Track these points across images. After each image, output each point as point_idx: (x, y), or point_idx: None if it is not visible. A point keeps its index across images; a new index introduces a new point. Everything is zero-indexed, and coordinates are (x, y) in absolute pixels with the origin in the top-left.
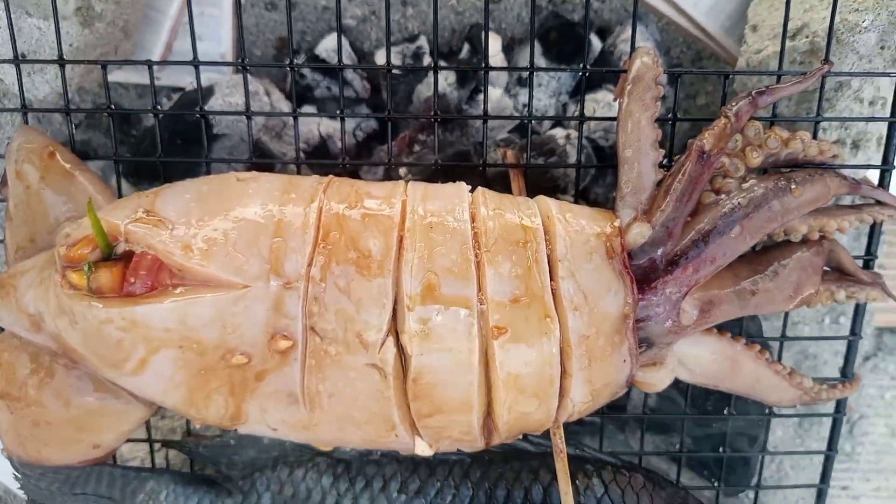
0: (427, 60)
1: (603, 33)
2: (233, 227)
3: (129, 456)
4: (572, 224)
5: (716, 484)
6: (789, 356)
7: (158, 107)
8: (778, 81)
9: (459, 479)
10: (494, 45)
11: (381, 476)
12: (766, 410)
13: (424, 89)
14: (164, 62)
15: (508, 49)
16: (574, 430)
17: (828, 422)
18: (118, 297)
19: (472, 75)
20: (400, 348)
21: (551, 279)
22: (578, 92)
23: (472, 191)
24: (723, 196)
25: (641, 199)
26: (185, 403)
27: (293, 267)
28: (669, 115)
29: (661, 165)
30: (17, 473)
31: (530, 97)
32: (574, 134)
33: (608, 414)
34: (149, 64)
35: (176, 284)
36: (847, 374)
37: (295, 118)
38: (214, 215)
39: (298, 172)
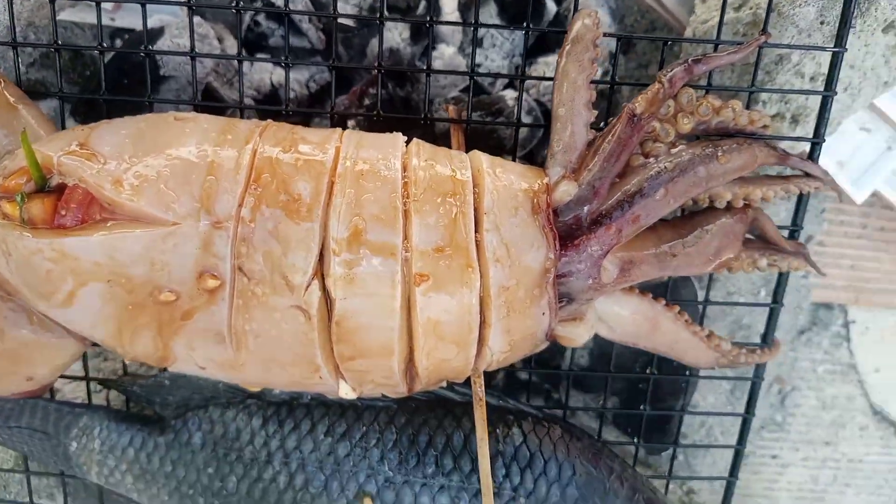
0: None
1: None
2: (166, 165)
3: (72, 396)
4: (501, 179)
5: (635, 440)
6: (724, 325)
7: (104, 45)
8: (715, 50)
9: (384, 424)
10: (451, 3)
11: (309, 419)
12: (687, 372)
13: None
14: None
15: (466, 7)
16: (516, 386)
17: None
18: (49, 229)
19: (426, 31)
20: (325, 292)
21: (476, 231)
22: (532, 54)
23: (408, 142)
24: (651, 159)
25: (571, 158)
26: (113, 338)
27: (223, 207)
28: (608, 78)
29: (595, 127)
30: None
31: (473, 53)
32: (525, 98)
33: (536, 369)
34: (96, 1)
35: (107, 219)
36: (767, 340)
37: (240, 62)
38: (149, 152)
39: (242, 117)
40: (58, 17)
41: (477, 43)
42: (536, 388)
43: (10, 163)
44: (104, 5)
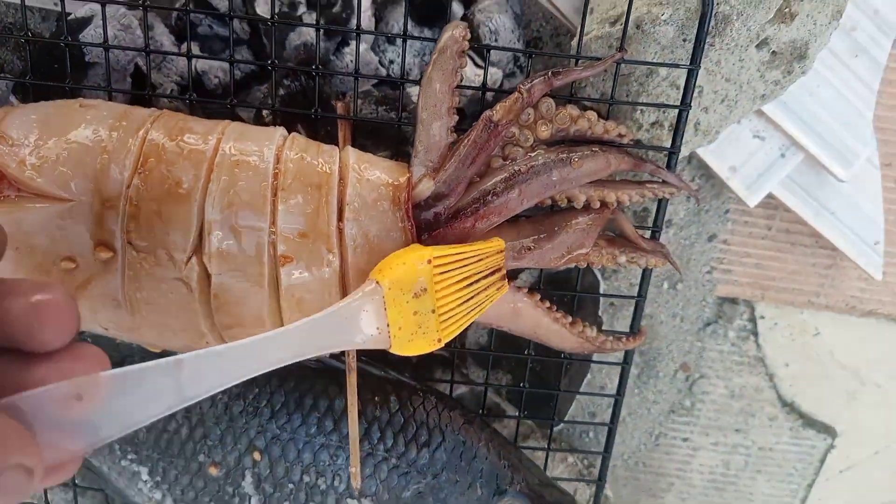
0: (301, 10)
1: (467, 1)
2: (65, 148)
3: None
4: (365, 174)
5: (517, 414)
6: (628, 314)
7: (30, 35)
8: (576, 64)
9: (275, 387)
10: (365, 2)
11: None
12: (562, 355)
13: (295, 37)
14: None
15: (382, 7)
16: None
17: (665, 377)
18: None
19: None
20: (203, 266)
21: (339, 220)
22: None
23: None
24: (509, 162)
25: (433, 157)
26: None
27: (114, 187)
28: (480, 85)
29: (458, 130)
30: None
31: (357, 54)
32: None
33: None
34: None
35: (15, 195)
36: (634, 328)
37: (147, 53)
38: (52, 136)
39: (154, 104)
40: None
41: (389, 41)
42: (448, 363)
43: None
44: None
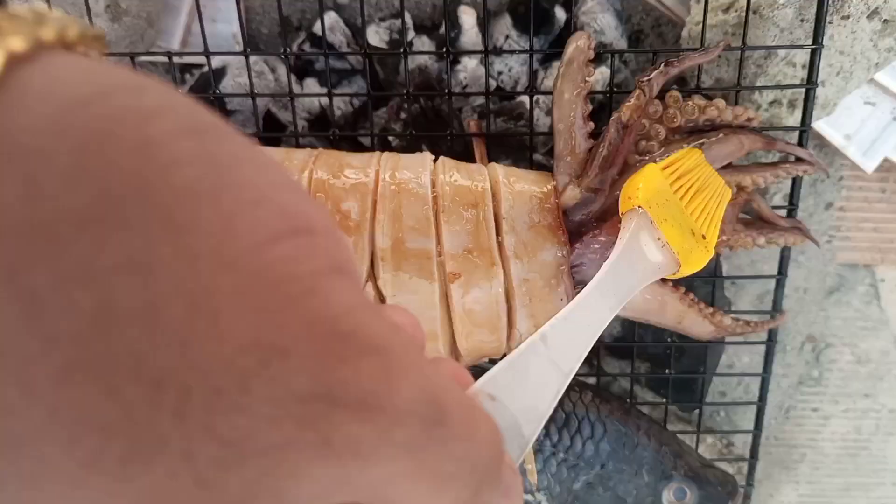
0: (411, 35)
1: (568, 4)
2: None
3: None
4: (515, 188)
5: (664, 401)
6: (752, 291)
7: (179, 89)
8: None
9: None
10: (469, 19)
11: None
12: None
13: (409, 62)
14: (180, 52)
15: (484, 21)
16: None
17: (793, 350)
18: None
19: (450, 49)
20: (378, 290)
21: (497, 234)
22: (548, 59)
23: (435, 160)
24: (646, 157)
25: (574, 165)
26: None
27: None
28: (607, 89)
29: (594, 134)
30: None
31: (486, 75)
32: (542, 99)
33: None
34: (168, 55)
35: None
36: (777, 308)
37: (292, 98)
38: None
39: (297, 143)
40: (136, 60)
41: (496, 53)
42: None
43: None
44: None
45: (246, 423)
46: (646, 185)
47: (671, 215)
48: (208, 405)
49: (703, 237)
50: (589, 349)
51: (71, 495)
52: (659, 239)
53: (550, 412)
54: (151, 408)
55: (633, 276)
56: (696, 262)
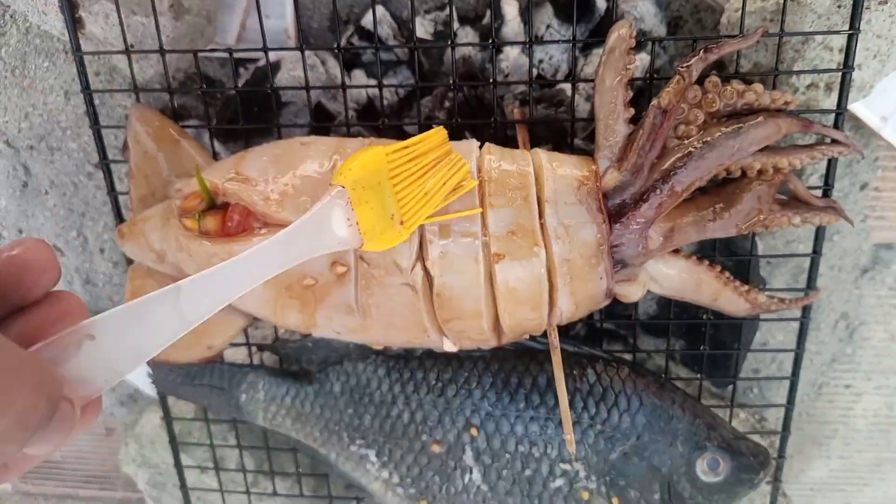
0: (456, 26)
1: None
2: (299, 182)
3: (233, 358)
4: (558, 171)
5: (699, 376)
6: (787, 270)
7: (239, 82)
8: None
9: (482, 370)
10: (512, 10)
11: (422, 368)
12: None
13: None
14: (238, 49)
15: (527, 11)
16: (597, 334)
17: (826, 328)
18: (220, 237)
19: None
20: (426, 271)
21: (540, 216)
22: (588, 47)
23: (481, 146)
24: (685, 141)
25: (615, 149)
26: (272, 314)
27: None
28: (647, 75)
29: (633, 120)
30: (150, 371)
31: (530, 66)
32: (582, 86)
33: (607, 320)
34: (228, 51)
35: (261, 226)
36: (811, 285)
37: (344, 90)
38: (285, 173)
39: (348, 132)
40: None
41: (539, 43)
42: (614, 335)
43: (185, 188)
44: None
45: None
46: (360, 167)
47: (374, 198)
48: None
49: (402, 223)
50: (228, 303)
51: None
52: (349, 218)
53: (156, 352)
54: None
55: (311, 243)
56: (385, 242)
